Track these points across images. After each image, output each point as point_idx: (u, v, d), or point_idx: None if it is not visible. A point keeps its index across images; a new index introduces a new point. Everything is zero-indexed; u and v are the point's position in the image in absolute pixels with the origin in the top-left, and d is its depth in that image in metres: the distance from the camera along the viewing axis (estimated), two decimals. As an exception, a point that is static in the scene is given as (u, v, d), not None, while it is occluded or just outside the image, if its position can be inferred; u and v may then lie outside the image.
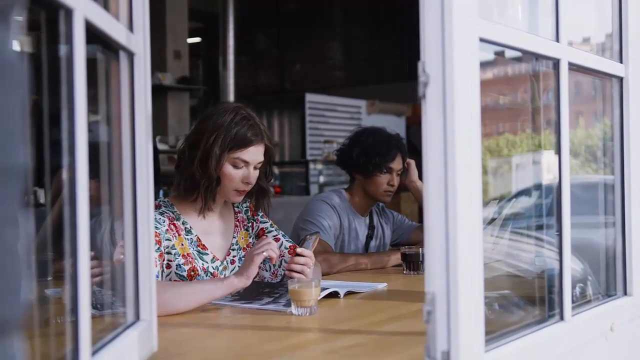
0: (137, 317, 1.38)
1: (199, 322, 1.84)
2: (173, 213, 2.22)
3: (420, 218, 5.60)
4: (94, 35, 1.12)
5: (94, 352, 1.11)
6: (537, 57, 1.57)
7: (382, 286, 2.35)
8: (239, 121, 2.19)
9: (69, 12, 1.00)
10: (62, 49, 1.03)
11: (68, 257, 1.04)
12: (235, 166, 2.19)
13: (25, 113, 0.58)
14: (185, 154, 2.21)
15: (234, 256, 2.33)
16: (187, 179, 2.20)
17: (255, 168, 2.23)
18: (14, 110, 0.55)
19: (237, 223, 2.38)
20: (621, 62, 1.82)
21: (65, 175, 1.02)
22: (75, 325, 1.02)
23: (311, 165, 7.50)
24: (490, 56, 1.45)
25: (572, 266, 1.57)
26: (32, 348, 1.14)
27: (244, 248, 2.36)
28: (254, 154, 2.21)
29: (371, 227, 3.16)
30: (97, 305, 1.36)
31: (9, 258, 0.54)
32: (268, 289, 2.13)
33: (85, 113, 1.04)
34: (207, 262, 2.23)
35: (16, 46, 0.58)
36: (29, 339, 0.87)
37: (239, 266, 2.30)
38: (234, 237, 2.35)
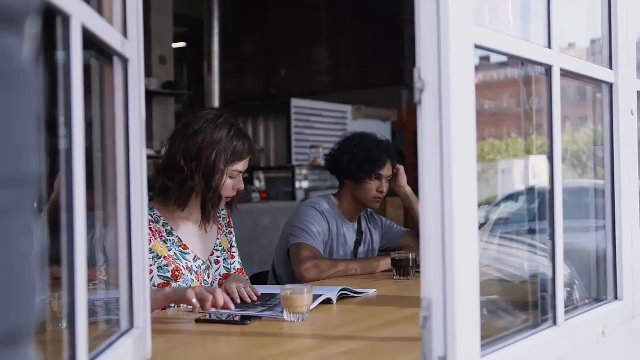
0: (132, 325, 1.37)
1: (192, 329, 1.83)
2: (152, 216, 2.25)
3: (406, 223, 5.61)
4: (88, 41, 1.11)
5: (90, 360, 1.10)
6: (530, 63, 1.58)
7: (372, 292, 2.36)
8: (235, 135, 2.29)
9: (66, 18, 0.99)
10: (59, 55, 1.02)
11: (65, 265, 1.03)
12: (232, 177, 2.30)
13: (39, 121, 0.57)
14: (184, 169, 2.23)
15: (217, 256, 2.41)
16: (187, 192, 2.26)
17: (243, 175, 2.36)
18: (29, 119, 0.55)
19: (220, 226, 2.47)
20: (611, 68, 1.83)
21: (62, 181, 1.02)
22: (72, 333, 1.01)
23: (297, 171, 7.48)
24: (475, 61, 1.45)
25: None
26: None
27: (227, 250, 2.45)
28: (247, 163, 2.34)
29: (360, 232, 3.16)
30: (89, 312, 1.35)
31: (23, 266, 0.53)
32: (261, 301, 2.13)
33: (82, 119, 1.03)
34: (189, 261, 2.28)
35: (30, 54, 0.57)
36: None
37: (224, 266, 2.41)
38: (218, 239, 2.43)
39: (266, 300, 2.13)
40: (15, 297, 0.53)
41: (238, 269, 2.47)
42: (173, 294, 2.01)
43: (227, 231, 2.49)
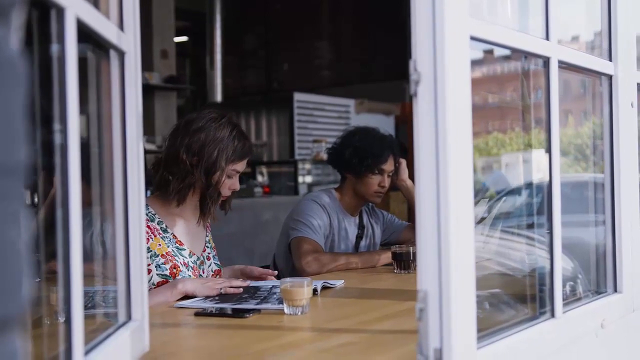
0: (129, 317, 1.37)
1: (190, 322, 1.84)
2: (147, 214, 2.26)
3: (409, 217, 5.60)
4: (84, 34, 1.11)
5: (87, 352, 1.10)
6: (528, 55, 1.58)
7: (339, 283, 2.38)
8: (237, 135, 2.33)
9: (60, 11, 0.99)
10: (53, 48, 1.02)
11: (60, 258, 1.03)
12: (229, 176, 2.33)
13: (25, 111, 0.58)
14: (187, 164, 2.25)
15: (208, 253, 2.46)
16: (187, 187, 2.29)
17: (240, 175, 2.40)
18: (16, 109, 0.55)
19: (208, 225, 2.50)
20: (610, 60, 1.83)
21: (56, 176, 1.02)
22: (68, 326, 1.01)
23: (300, 165, 7.48)
24: (479, 54, 1.45)
25: (562, 265, 1.58)
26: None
27: (213, 247, 2.50)
28: (245, 164, 2.38)
29: (361, 226, 3.16)
30: (86, 304, 1.35)
31: (11, 255, 0.54)
32: (247, 294, 2.13)
33: (77, 113, 1.03)
34: (185, 257, 2.32)
35: (17, 44, 0.58)
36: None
37: (214, 263, 2.46)
38: (207, 236, 2.48)
39: (253, 293, 2.13)
40: (2, 285, 0.53)
41: (215, 270, 2.48)
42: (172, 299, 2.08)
43: (210, 230, 2.54)
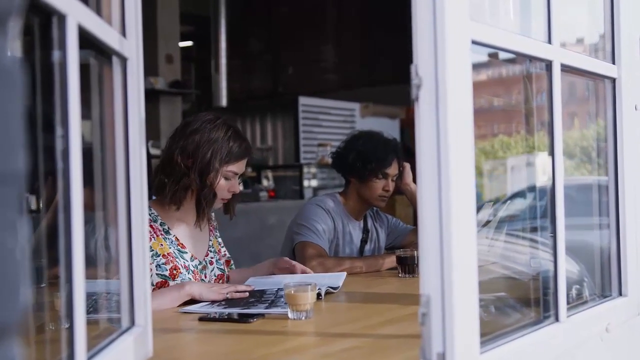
0: (132, 323, 1.37)
1: (194, 327, 1.83)
2: (150, 215, 2.27)
3: (414, 221, 5.59)
4: (86, 40, 1.12)
5: (90, 358, 1.10)
6: (530, 58, 1.57)
7: (342, 276, 2.42)
8: (232, 136, 2.32)
9: (62, 18, 1.00)
10: (55, 54, 1.02)
11: (62, 263, 1.03)
12: (226, 178, 2.33)
13: (23, 119, 0.58)
14: (182, 166, 2.27)
15: (211, 257, 2.46)
16: (182, 189, 2.29)
17: (239, 178, 2.38)
18: (13, 116, 0.55)
19: (211, 229, 2.51)
20: (614, 63, 1.82)
21: (59, 181, 1.02)
22: (71, 331, 1.01)
23: (305, 169, 7.47)
24: (483, 58, 1.45)
25: (568, 268, 1.58)
26: (28, 354, 1.13)
27: (217, 252, 2.49)
28: (243, 165, 2.37)
29: (365, 230, 3.16)
30: (89, 309, 1.35)
31: (8, 263, 0.54)
32: (253, 299, 2.13)
33: (79, 119, 1.04)
34: (187, 260, 2.32)
35: (14, 52, 0.58)
36: (24, 346, 0.86)
37: (217, 267, 2.45)
38: (210, 240, 2.47)
39: (259, 297, 2.13)
40: (0, 293, 0.53)
41: (227, 260, 2.52)
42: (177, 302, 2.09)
43: (216, 234, 2.54)
